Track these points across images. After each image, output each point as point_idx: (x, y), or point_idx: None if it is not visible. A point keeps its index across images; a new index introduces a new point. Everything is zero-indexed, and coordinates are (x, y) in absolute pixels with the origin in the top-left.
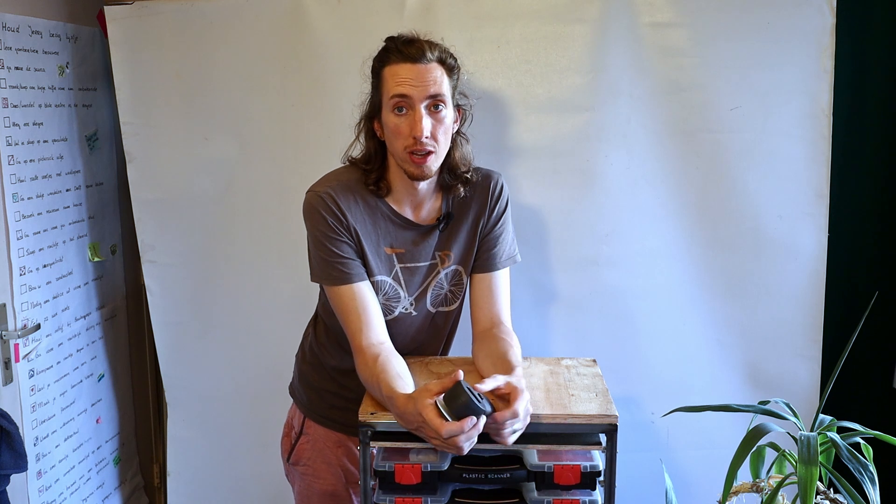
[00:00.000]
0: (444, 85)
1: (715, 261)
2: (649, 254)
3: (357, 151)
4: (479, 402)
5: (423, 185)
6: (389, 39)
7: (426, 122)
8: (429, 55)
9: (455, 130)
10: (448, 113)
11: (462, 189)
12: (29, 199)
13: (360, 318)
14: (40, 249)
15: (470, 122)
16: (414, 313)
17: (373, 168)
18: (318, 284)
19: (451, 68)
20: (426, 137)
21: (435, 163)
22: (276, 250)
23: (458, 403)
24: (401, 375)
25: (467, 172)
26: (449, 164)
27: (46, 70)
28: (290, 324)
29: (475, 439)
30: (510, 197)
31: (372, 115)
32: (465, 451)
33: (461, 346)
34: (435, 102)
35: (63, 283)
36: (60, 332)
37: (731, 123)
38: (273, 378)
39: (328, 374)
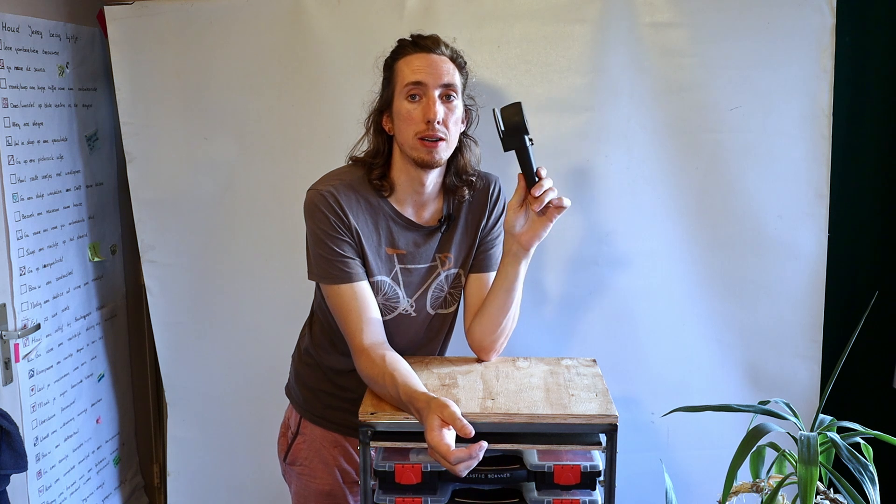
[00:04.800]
0: (456, 77)
1: (715, 261)
2: (649, 254)
3: (360, 151)
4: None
5: (429, 185)
6: (403, 38)
7: (439, 108)
8: (442, 48)
9: (462, 131)
10: (459, 105)
11: (467, 192)
12: (29, 199)
13: (361, 317)
14: (40, 249)
15: (476, 124)
16: (413, 314)
17: (379, 162)
18: (314, 283)
19: (461, 66)
20: (438, 123)
21: (445, 152)
22: (276, 250)
23: (514, 120)
24: (412, 373)
25: (472, 175)
26: (456, 166)
27: (46, 70)
28: (290, 324)
29: (473, 466)
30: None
31: (382, 110)
32: (463, 475)
33: (457, 347)
34: (447, 92)
35: (63, 283)
36: (60, 332)
37: (731, 123)
38: (273, 378)
39: (324, 374)
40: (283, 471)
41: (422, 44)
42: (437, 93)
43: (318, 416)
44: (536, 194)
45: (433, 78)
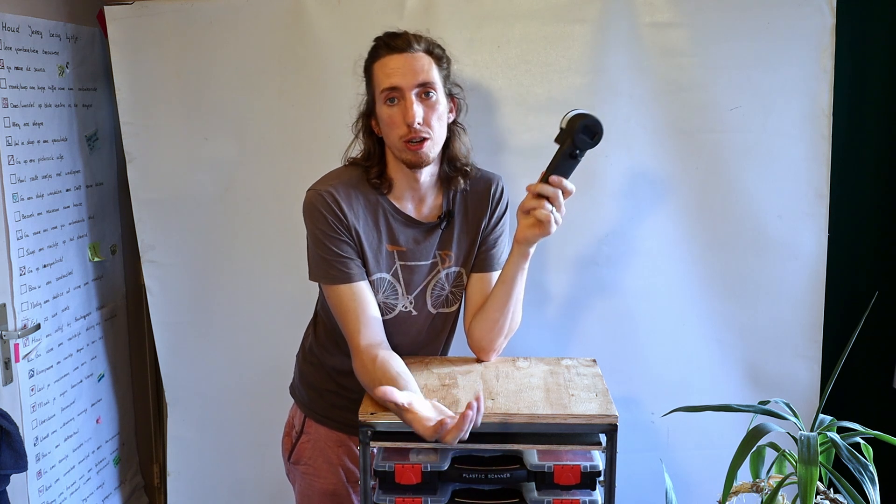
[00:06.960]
0: (432, 73)
1: (715, 261)
2: (649, 254)
3: (355, 152)
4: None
5: (425, 179)
6: (377, 38)
7: (417, 109)
8: (415, 45)
9: (451, 120)
10: (440, 99)
11: (462, 181)
12: (29, 199)
13: (359, 318)
14: (40, 249)
15: (465, 111)
16: (414, 313)
17: (374, 164)
18: (317, 284)
19: (439, 58)
20: (419, 124)
21: (432, 149)
22: (276, 250)
23: (574, 127)
24: (400, 375)
25: (466, 164)
26: (448, 155)
27: (46, 70)
28: (291, 323)
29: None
30: (509, 200)
31: (368, 113)
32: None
33: (457, 347)
34: (425, 90)
35: (63, 283)
36: (60, 332)
37: (731, 123)
38: (273, 378)
39: (328, 373)
40: (287, 470)
41: (393, 45)
42: (413, 94)
43: (322, 416)
44: (529, 189)
45: (407, 79)
